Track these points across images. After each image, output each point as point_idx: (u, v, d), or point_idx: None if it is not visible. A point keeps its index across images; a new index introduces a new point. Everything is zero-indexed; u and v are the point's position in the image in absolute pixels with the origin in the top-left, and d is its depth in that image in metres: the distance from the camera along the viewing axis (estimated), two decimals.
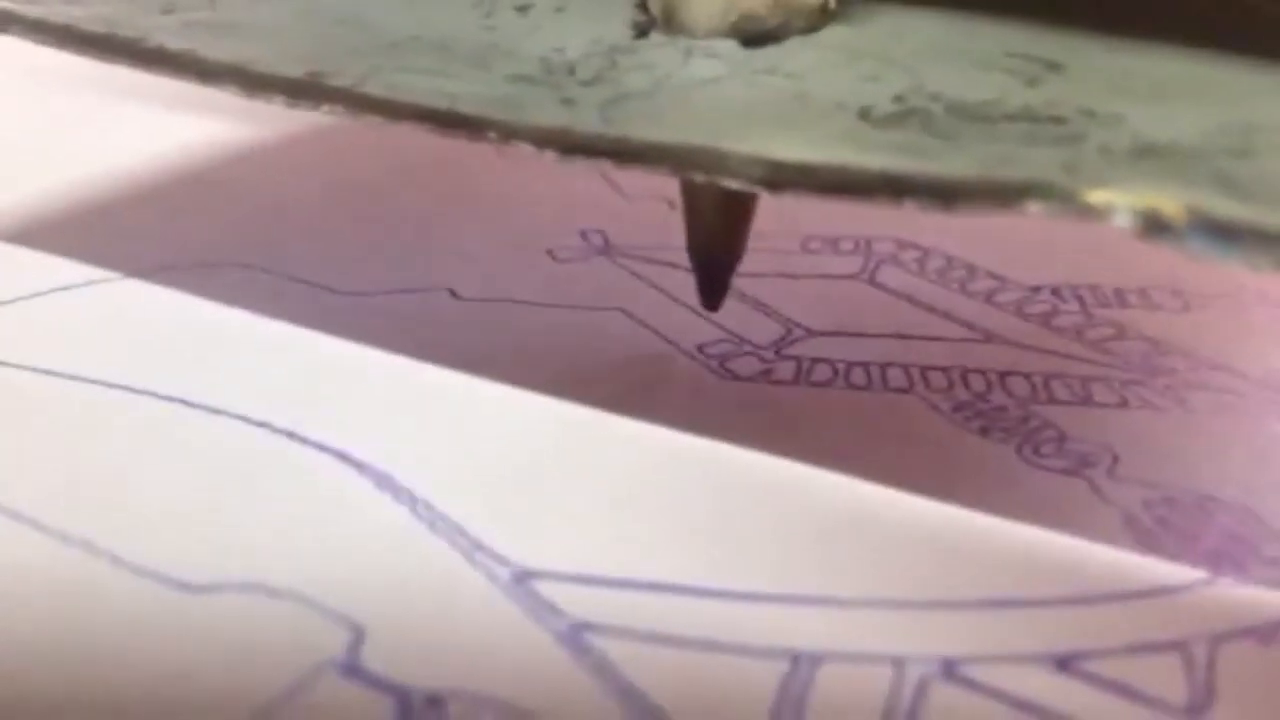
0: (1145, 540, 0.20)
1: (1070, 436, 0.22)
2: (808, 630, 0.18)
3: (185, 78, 0.19)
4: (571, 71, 0.19)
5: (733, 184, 0.17)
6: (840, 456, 0.21)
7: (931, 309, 0.26)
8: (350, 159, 0.32)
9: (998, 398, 0.23)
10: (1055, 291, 0.27)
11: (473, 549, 0.19)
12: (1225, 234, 0.14)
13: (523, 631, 0.18)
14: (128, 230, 0.28)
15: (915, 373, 0.24)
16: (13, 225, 0.28)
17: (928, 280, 0.27)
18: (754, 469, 0.21)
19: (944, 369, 0.24)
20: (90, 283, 0.26)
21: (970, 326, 0.26)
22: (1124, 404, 0.23)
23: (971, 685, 0.17)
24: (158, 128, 0.33)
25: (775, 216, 0.23)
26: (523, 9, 0.21)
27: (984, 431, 0.22)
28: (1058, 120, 0.17)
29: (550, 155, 0.17)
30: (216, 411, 0.22)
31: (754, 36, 0.20)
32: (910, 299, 0.27)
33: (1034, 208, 0.15)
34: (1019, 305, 0.26)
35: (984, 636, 0.18)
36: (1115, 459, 0.22)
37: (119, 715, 0.16)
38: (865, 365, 0.24)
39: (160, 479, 0.20)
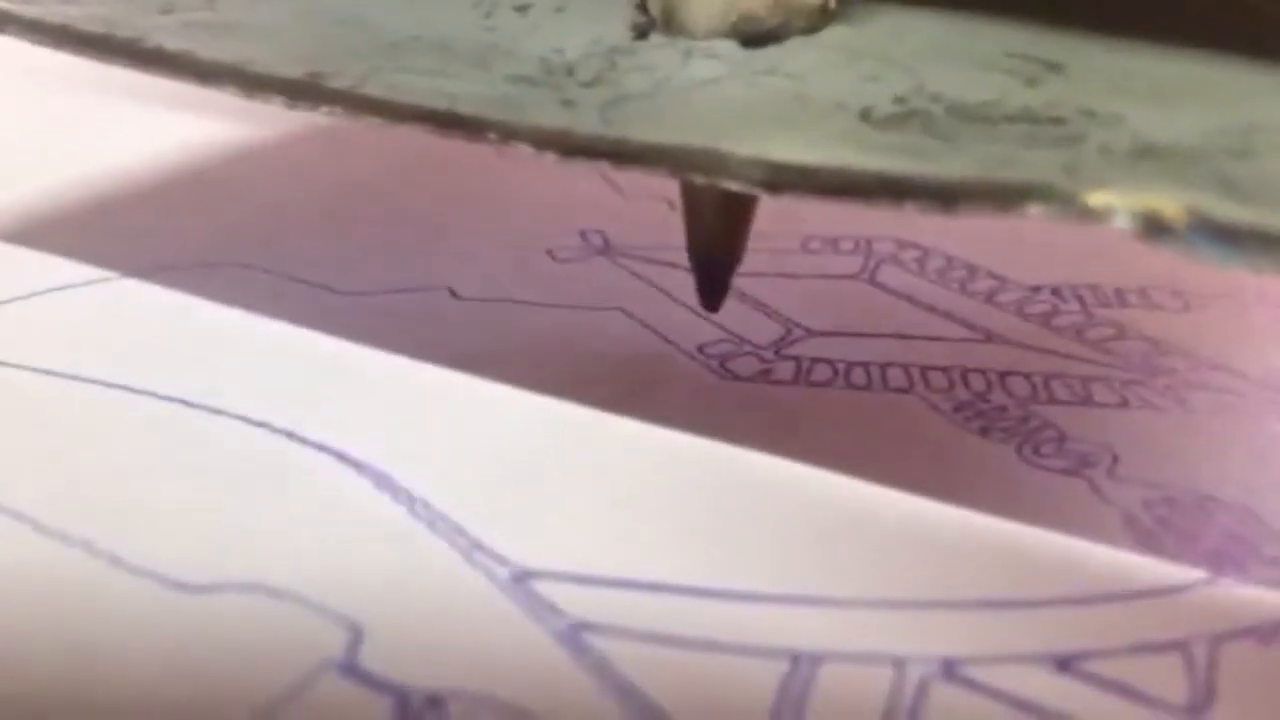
0: (1145, 540, 0.20)
1: (1070, 436, 0.22)
2: (808, 630, 0.18)
3: (184, 78, 0.19)
4: (571, 72, 0.19)
5: (733, 186, 0.17)
6: (840, 456, 0.21)
7: (932, 309, 0.26)
8: (350, 158, 0.32)
9: (998, 398, 0.23)
10: (1055, 291, 0.27)
11: (472, 549, 0.19)
12: (1226, 236, 0.14)
13: (522, 631, 0.18)
14: (127, 230, 0.28)
15: (915, 373, 0.24)
16: (11, 224, 0.28)
17: (928, 280, 0.27)
18: (754, 469, 0.21)
19: (944, 369, 0.24)
20: (89, 282, 0.26)
21: (970, 326, 0.26)
22: (1124, 404, 0.23)
23: (972, 685, 0.17)
24: (156, 127, 0.33)
25: (775, 216, 0.23)
26: (522, 9, 0.21)
27: (984, 431, 0.22)
28: (1058, 121, 0.17)
29: (550, 157, 0.17)
30: (216, 411, 0.22)
31: (754, 37, 0.20)
32: (910, 299, 0.27)
33: (1034, 210, 0.15)
34: (1019, 305, 0.26)
35: (984, 637, 0.18)
36: (1115, 459, 0.22)
37: (117, 715, 0.16)
38: (865, 365, 0.24)
39: (159, 479, 0.20)
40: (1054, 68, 0.19)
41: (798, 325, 0.25)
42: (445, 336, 0.24)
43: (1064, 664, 0.17)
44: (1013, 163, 0.16)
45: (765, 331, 0.25)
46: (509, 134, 0.17)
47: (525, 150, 0.17)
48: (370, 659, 0.17)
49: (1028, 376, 0.24)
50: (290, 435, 0.21)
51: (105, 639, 0.17)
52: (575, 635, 0.17)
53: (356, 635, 0.17)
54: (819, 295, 0.26)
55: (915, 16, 0.21)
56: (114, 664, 0.17)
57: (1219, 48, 0.19)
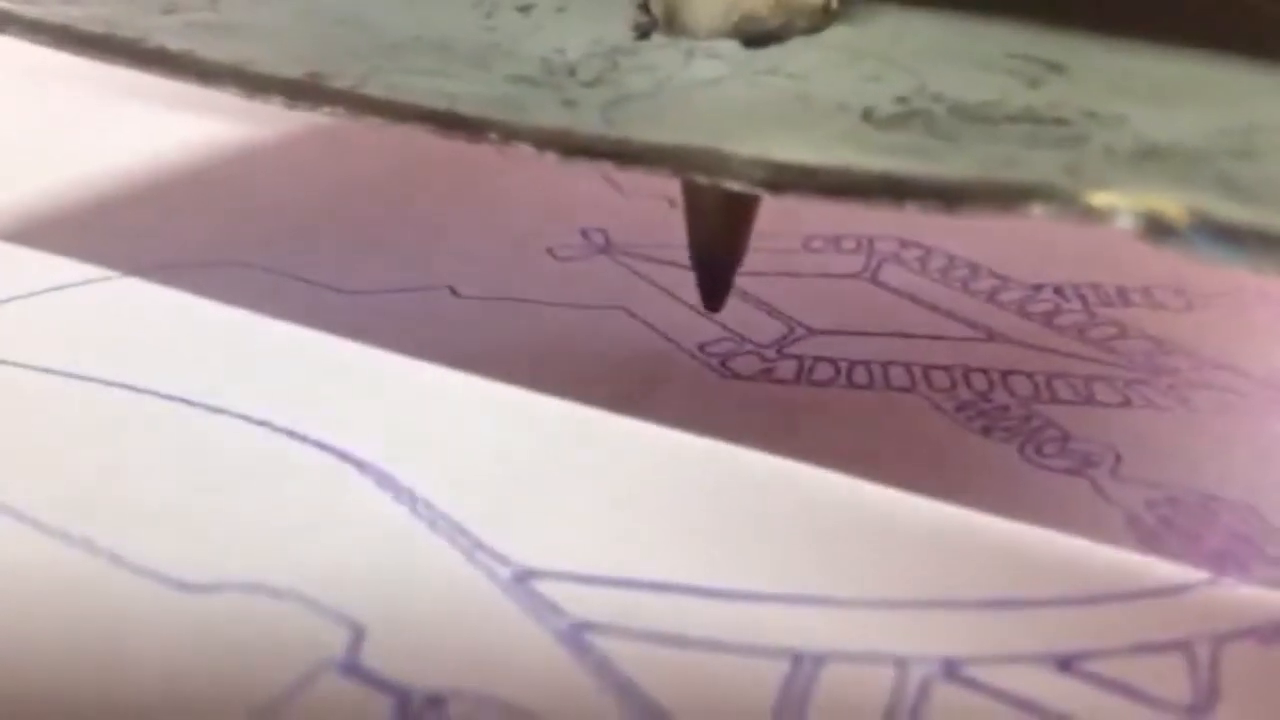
0: (1148, 540, 0.20)
1: (1073, 436, 0.22)
2: (810, 630, 0.18)
3: (185, 79, 0.19)
4: (573, 72, 0.19)
5: (735, 186, 0.17)
6: (842, 456, 0.21)
7: (934, 308, 0.26)
8: (350, 157, 0.32)
9: (1000, 397, 0.23)
10: (1058, 290, 0.27)
11: (473, 548, 0.19)
12: (1228, 236, 0.14)
13: (523, 631, 0.18)
14: (127, 229, 0.28)
15: (917, 372, 0.24)
16: (12, 224, 0.28)
17: (930, 279, 0.27)
18: (755, 468, 0.21)
19: (946, 368, 0.24)
20: (89, 281, 0.26)
21: (972, 325, 0.26)
22: (1127, 403, 0.23)
23: (974, 685, 0.17)
24: (157, 126, 0.33)
25: (777, 215, 0.23)
26: (524, 9, 0.21)
27: (986, 431, 0.22)
28: (1060, 121, 0.17)
29: (551, 157, 0.17)
30: (216, 410, 0.22)
31: (756, 37, 0.20)
32: (912, 298, 0.26)
33: (1036, 210, 0.15)
34: (1021, 304, 0.26)
35: (986, 637, 0.18)
36: (1118, 458, 0.22)
37: (118, 715, 0.16)
38: (867, 364, 0.24)
39: (160, 478, 0.20)
40: (1056, 68, 0.19)
41: (799, 324, 0.25)
42: (446, 335, 0.24)
43: (1066, 664, 0.17)
44: (1015, 163, 0.16)
45: (767, 330, 0.25)
46: (510, 134, 0.17)
47: (526, 151, 0.17)
48: (371, 658, 0.17)
49: (1030, 376, 0.24)
50: (291, 434, 0.21)
51: (106, 639, 0.17)
52: (577, 635, 0.17)
53: (357, 635, 0.17)
54: (821, 294, 0.26)
55: (917, 17, 0.21)
56: (115, 664, 0.17)
57: (1220, 48, 0.19)
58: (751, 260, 0.23)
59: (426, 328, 0.25)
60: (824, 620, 0.18)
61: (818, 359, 0.24)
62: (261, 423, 0.21)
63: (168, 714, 0.16)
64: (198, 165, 0.31)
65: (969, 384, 0.23)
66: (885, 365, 0.24)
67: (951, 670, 0.17)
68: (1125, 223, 0.15)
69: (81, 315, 0.24)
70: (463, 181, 0.31)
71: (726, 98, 0.19)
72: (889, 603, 0.18)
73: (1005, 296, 0.27)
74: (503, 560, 0.19)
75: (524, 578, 0.18)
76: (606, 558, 0.19)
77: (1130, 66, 0.19)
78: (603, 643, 0.17)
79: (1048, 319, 0.26)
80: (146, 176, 0.30)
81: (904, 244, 0.28)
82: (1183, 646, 0.18)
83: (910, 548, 0.19)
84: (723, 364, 0.24)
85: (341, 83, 0.19)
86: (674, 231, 0.23)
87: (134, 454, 0.21)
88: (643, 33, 0.21)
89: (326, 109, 0.19)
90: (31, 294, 0.25)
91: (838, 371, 0.24)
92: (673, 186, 0.23)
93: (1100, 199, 0.15)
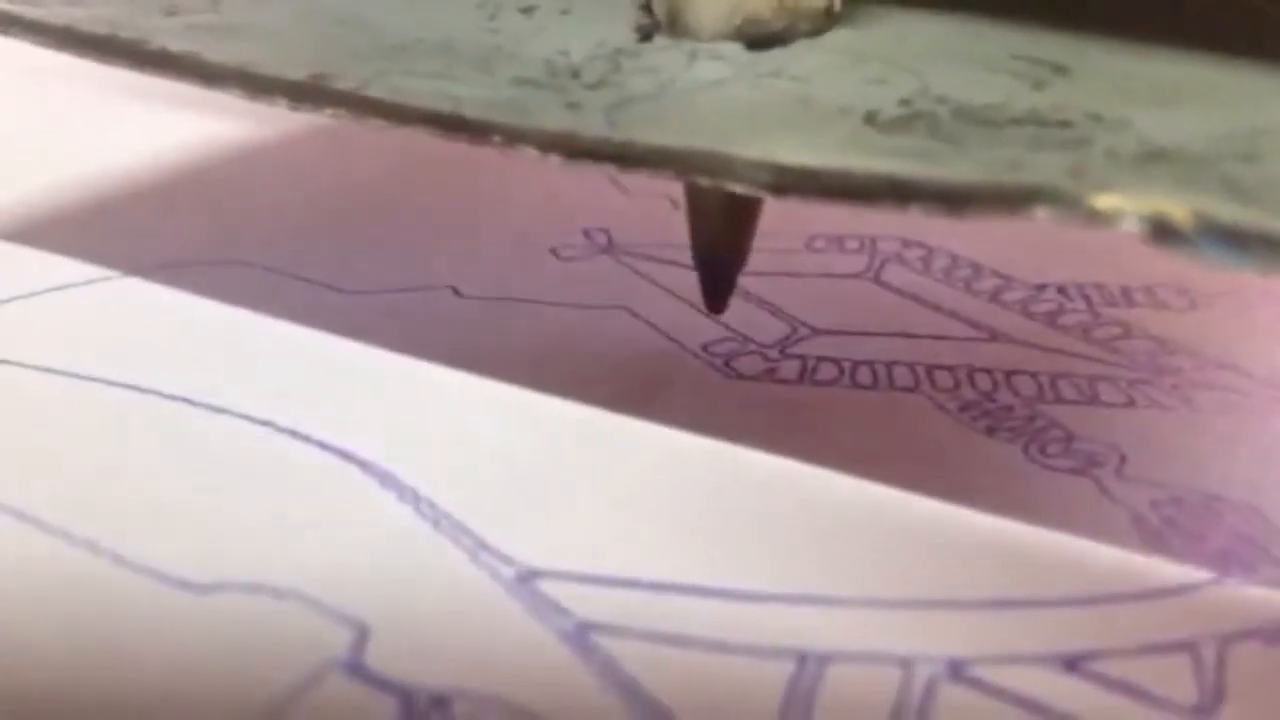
0: (1153, 540, 0.20)
1: (1077, 436, 0.22)
2: (815, 630, 0.18)
3: (188, 80, 0.19)
4: (576, 74, 0.19)
5: (738, 189, 0.17)
6: (846, 456, 0.21)
7: (937, 308, 0.26)
8: (352, 157, 0.32)
9: (1004, 397, 0.23)
10: (1061, 290, 0.27)
11: (477, 548, 0.19)
12: (1233, 239, 0.14)
13: (527, 631, 0.18)
14: (128, 228, 0.28)
15: (921, 372, 0.24)
16: (13, 223, 0.28)
17: (933, 279, 0.27)
18: (759, 468, 0.21)
19: (950, 368, 0.24)
20: (90, 281, 0.25)
21: (976, 325, 0.25)
22: (1131, 403, 0.23)
23: (979, 686, 0.17)
24: (158, 125, 0.33)
25: (780, 215, 0.23)
26: (527, 10, 0.21)
27: (990, 431, 0.22)
28: (1064, 124, 0.17)
29: (555, 160, 0.17)
30: (219, 410, 0.22)
31: (759, 39, 0.20)
32: (916, 298, 0.26)
33: (1041, 213, 0.15)
34: (1025, 304, 0.26)
35: (991, 637, 0.18)
36: (1122, 459, 0.22)
37: (121, 715, 0.16)
38: (871, 364, 0.24)
39: (163, 478, 0.20)
40: (1060, 70, 0.19)
41: (803, 324, 0.25)
42: (448, 335, 0.24)
43: (1071, 664, 0.17)
44: (1019, 166, 0.16)
45: (770, 330, 0.25)
46: (514, 137, 0.17)
47: (530, 154, 0.17)
48: (375, 659, 0.17)
49: (1034, 376, 0.24)
50: (293, 434, 0.21)
51: (109, 639, 0.17)
52: (581, 635, 0.17)
53: (361, 635, 0.17)
54: (824, 294, 0.26)
55: (920, 19, 0.21)
56: (118, 664, 0.17)
57: (1225, 51, 0.19)
58: (754, 260, 0.23)
59: (429, 327, 0.25)
60: (829, 620, 0.18)
61: (821, 359, 0.24)
62: (264, 423, 0.21)
63: (170, 714, 0.16)
64: (199, 165, 0.31)
65: (973, 384, 0.23)
66: (889, 365, 0.24)
67: (957, 670, 0.17)
68: (1130, 226, 0.15)
69: (83, 315, 0.24)
70: (465, 181, 0.31)
71: (729, 100, 0.19)
72: (894, 603, 0.18)
73: (1009, 296, 0.27)
74: (507, 560, 0.19)
75: (528, 578, 0.18)
76: (610, 558, 0.19)
77: (1134, 69, 0.19)
78: (607, 643, 0.17)
79: (1051, 319, 0.26)
80: (147, 176, 0.30)
81: (907, 244, 0.28)
82: (1188, 647, 0.18)
83: (914, 548, 0.19)
84: (726, 364, 0.24)
85: (345, 84, 0.19)
86: (677, 231, 0.23)
87: (136, 454, 0.21)
88: (645, 35, 0.20)
89: (329, 111, 0.19)
90: (33, 294, 0.25)
91: (841, 371, 0.24)
92: (676, 186, 0.23)
93: (1105, 202, 0.15)
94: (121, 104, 0.34)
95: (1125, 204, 0.15)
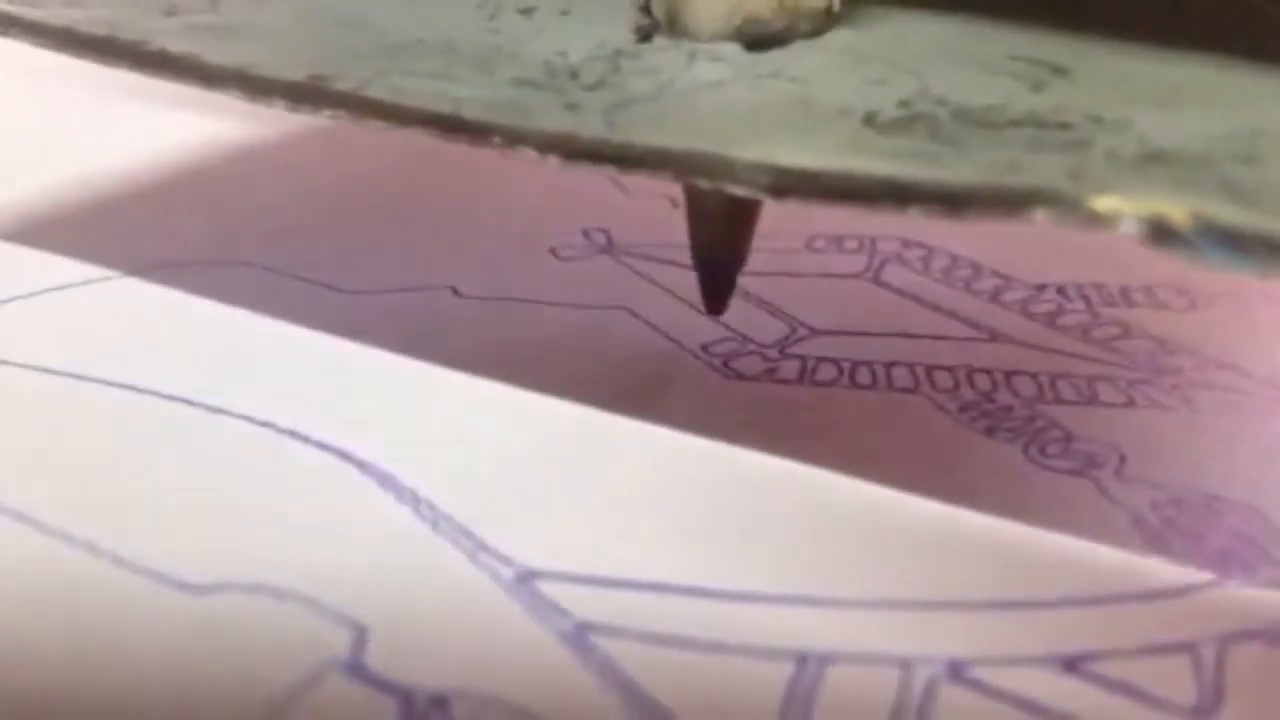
0: (1153, 541, 0.20)
1: (1077, 436, 0.22)
2: (814, 631, 0.18)
3: (187, 81, 0.19)
4: (575, 75, 0.19)
5: (738, 191, 0.17)
6: (845, 456, 0.21)
7: (936, 308, 0.26)
8: (352, 156, 0.32)
9: (1004, 397, 0.23)
10: (1061, 290, 0.27)
11: (476, 549, 0.19)
12: (1233, 241, 0.14)
13: (527, 632, 0.18)
14: (127, 228, 0.28)
15: (920, 372, 0.24)
16: (12, 223, 0.28)
17: (933, 279, 0.27)
18: (758, 469, 0.21)
19: (949, 368, 0.24)
20: (90, 281, 0.25)
21: (975, 326, 0.25)
22: (1130, 404, 0.23)
23: (979, 687, 0.17)
24: (157, 125, 0.33)
25: (780, 215, 0.23)
26: (526, 11, 0.21)
27: (990, 431, 0.22)
28: (1064, 126, 0.17)
29: (554, 161, 0.17)
30: (218, 411, 0.22)
31: (758, 40, 0.20)
32: (915, 298, 0.26)
33: (1040, 215, 0.15)
34: (1024, 304, 0.26)
35: (991, 638, 0.18)
36: (1122, 459, 0.22)
37: (121, 715, 0.16)
38: (870, 364, 0.24)
39: (162, 479, 0.20)
40: (1060, 72, 0.19)
41: (802, 324, 0.25)
42: (448, 335, 0.24)
43: (1071, 665, 0.17)
44: (1019, 168, 0.16)
45: (770, 330, 0.25)
46: (514, 138, 0.17)
47: (529, 155, 0.17)
48: (375, 659, 0.17)
49: (1033, 376, 0.24)
50: (293, 434, 0.21)
51: (108, 639, 0.17)
52: (580, 636, 0.17)
53: (361, 635, 0.17)
54: (823, 294, 0.26)
55: (920, 20, 0.21)
56: (117, 664, 0.17)
57: (1225, 52, 0.19)
58: (754, 260, 0.23)
59: (428, 328, 0.25)
60: (828, 621, 0.18)
61: (820, 359, 0.24)
62: (263, 423, 0.21)
63: (170, 715, 0.16)
64: (198, 164, 0.31)
65: (972, 384, 0.23)
66: (888, 366, 0.24)
67: (956, 671, 0.17)
68: (1129, 227, 0.15)
69: (82, 315, 0.24)
70: (464, 181, 0.31)
71: (729, 101, 0.19)
72: (893, 604, 0.18)
73: (1008, 296, 0.27)
74: (506, 561, 0.19)
75: (527, 578, 0.18)
76: (610, 558, 0.19)
77: (1134, 70, 0.19)
78: (606, 644, 0.17)
79: (1051, 319, 0.26)
80: (147, 176, 0.30)
81: (906, 244, 0.28)
82: (1188, 648, 0.18)
83: (914, 549, 0.19)
84: (725, 364, 0.24)
85: (344, 85, 0.19)
86: (676, 231, 0.23)
87: (135, 454, 0.21)
88: (645, 35, 0.20)
89: (329, 112, 0.19)
90: (32, 294, 0.25)
91: (840, 372, 0.24)
92: (675, 186, 0.23)
93: (1104, 204, 0.15)
94: (121, 104, 0.34)
95: (1125, 206, 0.15)
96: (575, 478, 0.21)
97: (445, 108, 0.18)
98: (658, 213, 0.28)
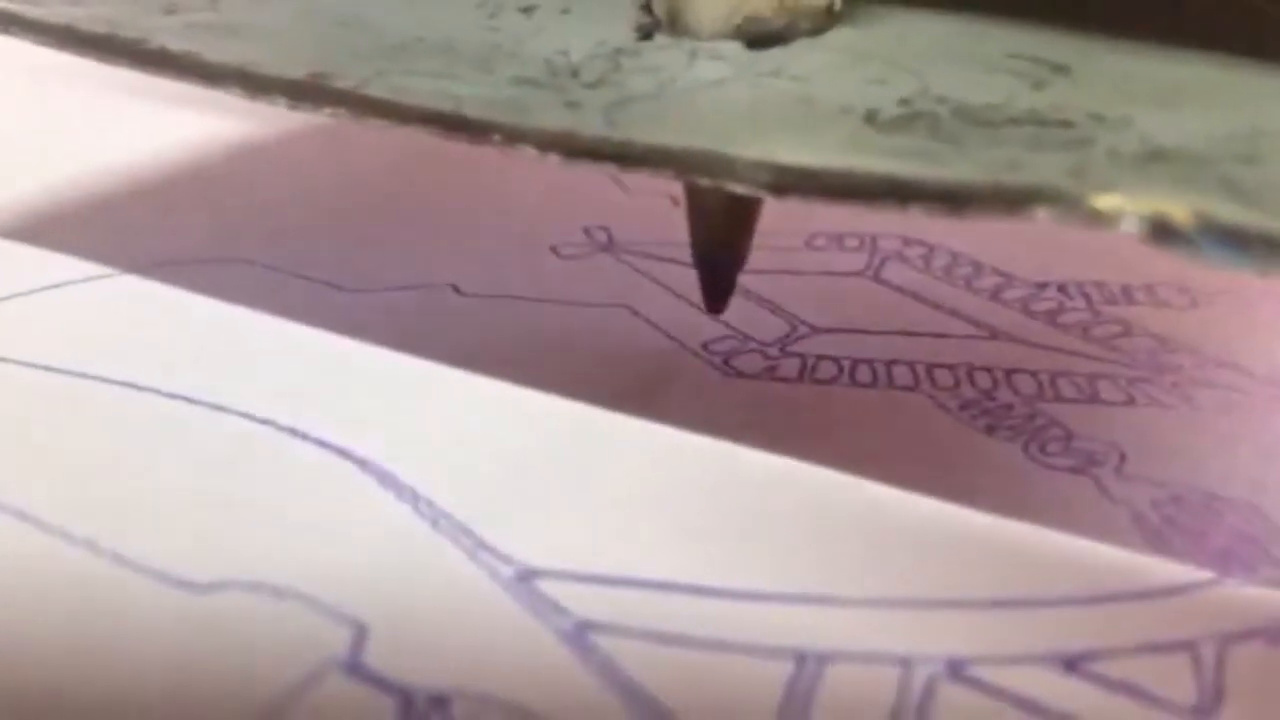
0: (1153, 539, 0.20)
1: (1077, 435, 0.22)
2: (814, 630, 0.18)
3: (187, 79, 0.19)
4: (576, 74, 0.19)
5: (738, 189, 0.17)
6: (845, 455, 0.21)
7: (937, 306, 0.26)
8: (352, 154, 0.32)
9: (1004, 395, 0.23)
10: (1061, 288, 0.27)
11: (476, 547, 0.19)
12: (1234, 239, 0.14)
13: (526, 630, 0.18)
14: (128, 226, 0.28)
15: (921, 370, 0.24)
16: (12, 221, 0.28)
17: (933, 277, 0.27)
18: (758, 467, 0.21)
19: (950, 366, 0.24)
20: (90, 279, 0.25)
21: (976, 324, 0.25)
22: (1131, 402, 0.23)
23: (979, 685, 0.17)
24: (157, 123, 0.33)
25: (780, 213, 0.23)
26: (527, 10, 0.21)
27: (990, 430, 0.22)
28: (1065, 124, 0.17)
29: (554, 159, 0.17)
30: (217, 408, 0.22)
31: (759, 38, 0.20)
32: (916, 296, 0.26)
33: (1041, 213, 0.15)
34: (1025, 302, 0.26)
35: (991, 636, 0.18)
36: (1122, 457, 0.21)
37: (121, 714, 0.16)
38: (870, 363, 0.24)
39: (162, 476, 0.20)
40: (1060, 70, 0.19)
41: (803, 322, 0.25)
42: (448, 333, 0.24)
43: (1071, 664, 0.17)
44: (1019, 166, 0.16)
45: (770, 328, 0.25)
46: (514, 137, 0.17)
47: (530, 153, 0.17)
48: (374, 658, 0.17)
49: (1034, 374, 0.24)
50: (292, 432, 0.21)
51: (108, 638, 0.17)
52: (580, 634, 0.17)
53: (360, 634, 0.17)
54: (824, 292, 0.26)
55: (921, 18, 0.21)
56: (117, 663, 0.17)
57: (1226, 51, 0.19)
58: (754, 258, 0.23)
59: (428, 325, 0.25)
60: (828, 620, 0.18)
61: (821, 357, 0.24)
62: (263, 421, 0.21)
63: (169, 713, 0.16)
64: (198, 162, 0.31)
65: (973, 382, 0.23)
66: (888, 364, 0.24)
67: (956, 670, 0.17)
68: (1130, 226, 0.15)
69: (82, 313, 0.24)
70: (465, 178, 0.31)
71: (730, 100, 0.19)
72: (893, 602, 0.18)
73: (1009, 294, 0.27)
74: (505, 559, 0.19)
75: (527, 577, 0.18)
76: (609, 557, 0.19)
77: (1135, 69, 0.19)
78: (606, 642, 0.17)
79: (1051, 317, 0.26)
80: (147, 173, 0.30)
81: (907, 242, 0.28)
82: (1188, 647, 0.18)
83: (914, 547, 0.19)
84: (726, 362, 0.24)
85: (344, 84, 0.19)
86: (677, 229, 0.23)
87: (135, 452, 0.21)
88: (645, 34, 0.20)
89: (329, 110, 0.19)
90: (32, 291, 0.25)
91: (841, 370, 0.24)
92: (676, 184, 0.23)
93: (1105, 202, 0.15)
94: (121, 102, 0.34)
95: (1126, 204, 0.15)
96: (575, 476, 0.21)
97: (446, 106, 0.18)
98: (658, 211, 0.28)
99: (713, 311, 0.23)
